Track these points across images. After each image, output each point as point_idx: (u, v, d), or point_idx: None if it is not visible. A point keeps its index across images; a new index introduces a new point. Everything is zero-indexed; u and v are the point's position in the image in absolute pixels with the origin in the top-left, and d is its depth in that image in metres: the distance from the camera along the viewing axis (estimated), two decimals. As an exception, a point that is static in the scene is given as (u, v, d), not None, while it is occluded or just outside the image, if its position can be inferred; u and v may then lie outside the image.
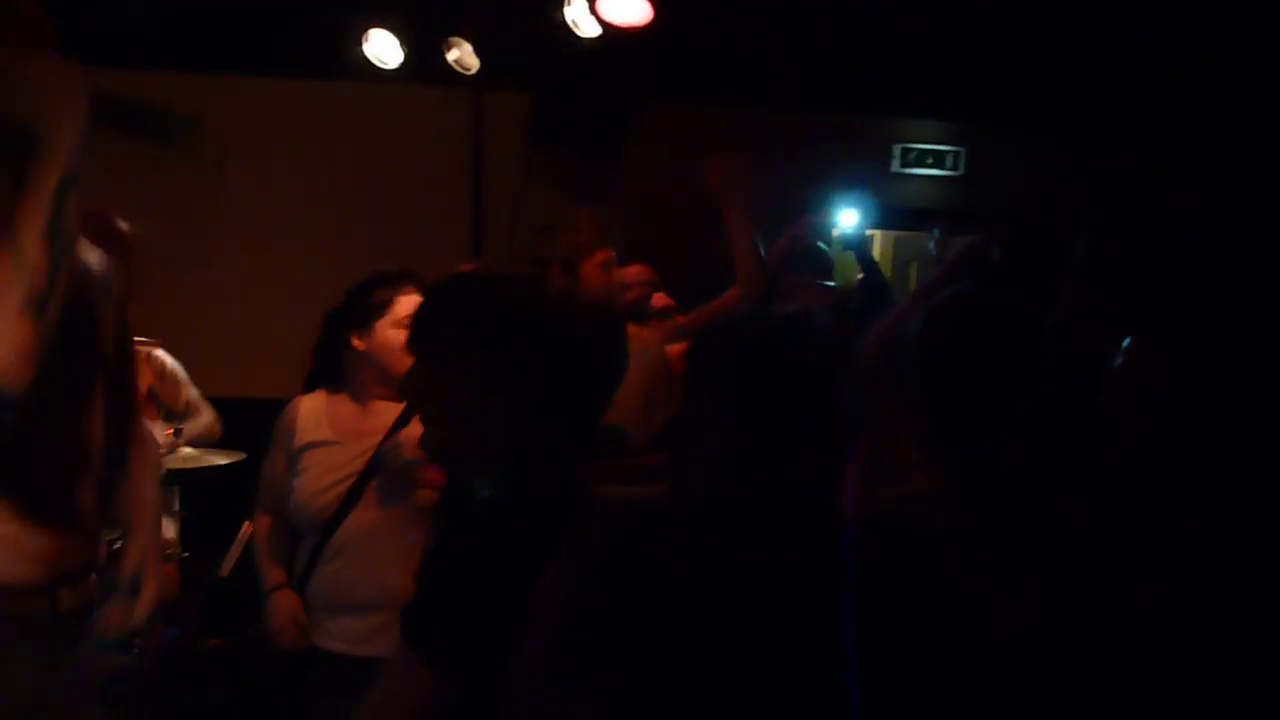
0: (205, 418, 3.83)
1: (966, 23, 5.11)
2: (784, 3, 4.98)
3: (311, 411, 2.60)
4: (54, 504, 1.71)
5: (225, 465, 3.47)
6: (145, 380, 3.86)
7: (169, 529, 3.59)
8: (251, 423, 3.34)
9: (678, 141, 5.27)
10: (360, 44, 4.65)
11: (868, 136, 5.69)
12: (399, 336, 2.37)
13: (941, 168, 5.78)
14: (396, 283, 2.54)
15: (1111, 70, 5.25)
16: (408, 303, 2.48)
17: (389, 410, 2.52)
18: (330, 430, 2.55)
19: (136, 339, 1.94)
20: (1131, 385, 1.54)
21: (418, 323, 1.56)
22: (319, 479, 2.49)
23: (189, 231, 4.89)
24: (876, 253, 6.58)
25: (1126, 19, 5.08)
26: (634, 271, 3.57)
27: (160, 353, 3.80)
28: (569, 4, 4.19)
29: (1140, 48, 5.14)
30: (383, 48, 4.65)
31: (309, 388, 2.66)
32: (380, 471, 2.44)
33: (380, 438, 2.48)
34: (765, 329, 1.41)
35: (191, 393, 3.83)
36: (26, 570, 1.68)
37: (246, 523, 3.52)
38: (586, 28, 4.19)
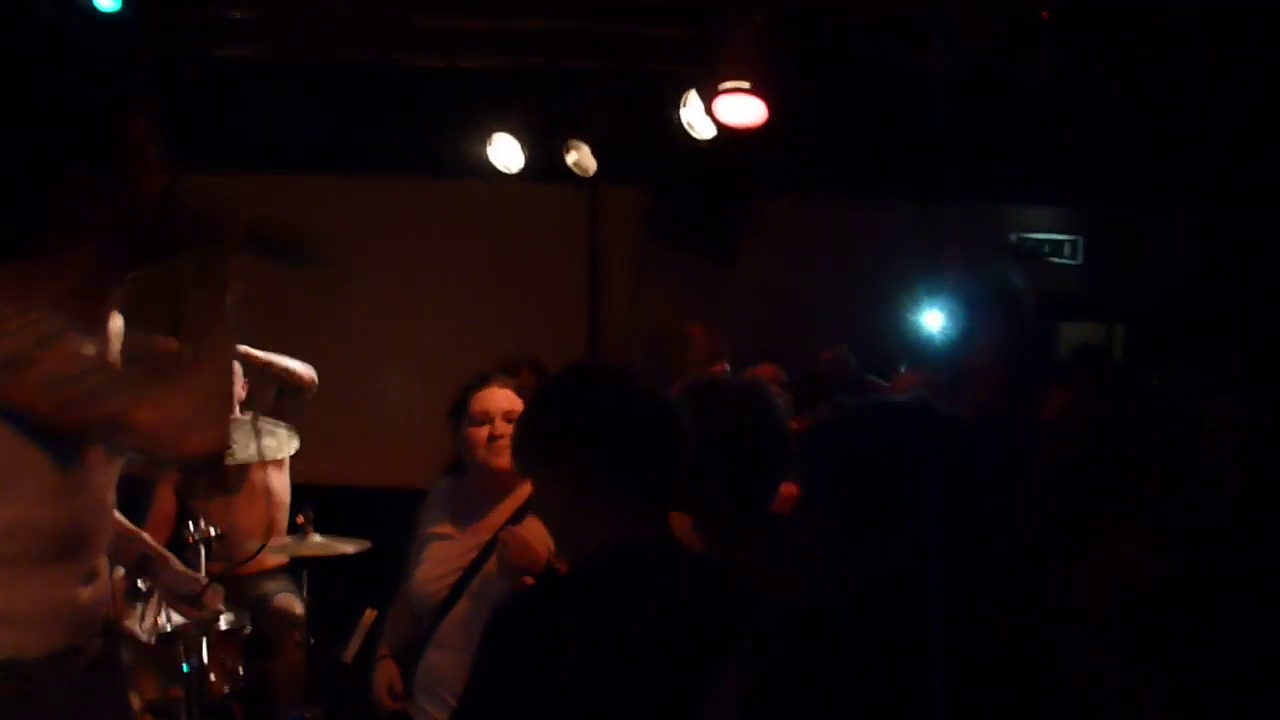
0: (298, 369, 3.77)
1: (1082, 109, 5.08)
2: (897, 94, 5.03)
3: (437, 499, 2.76)
4: (98, 565, 1.80)
5: (352, 554, 3.56)
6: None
7: (295, 606, 3.69)
8: (381, 511, 3.45)
9: (794, 233, 5.34)
10: (485, 147, 4.86)
11: (984, 226, 5.65)
12: (478, 433, 2.59)
13: (1059, 256, 5.69)
14: (481, 382, 2.67)
15: (1233, 155, 5.14)
16: (483, 398, 2.64)
17: (506, 505, 2.61)
18: (449, 523, 2.69)
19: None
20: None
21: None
22: (433, 569, 2.66)
23: (314, 326, 5.13)
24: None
25: (1241, 103, 4.99)
26: (767, 371, 3.60)
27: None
28: (685, 105, 4.32)
29: (1259, 128, 5.03)
30: (506, 151, 4.85)
31: (447, 474, 2.83)
32: (491, 564, 2.55)
33: (490, 535, 2.58)
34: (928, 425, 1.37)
35: (277, 361, 3.76)
36: (72, 632, 1.75)
37: (369, 610, 3.60)
38: (702, 129, 4.30)
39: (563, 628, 1.39)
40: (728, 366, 2.91)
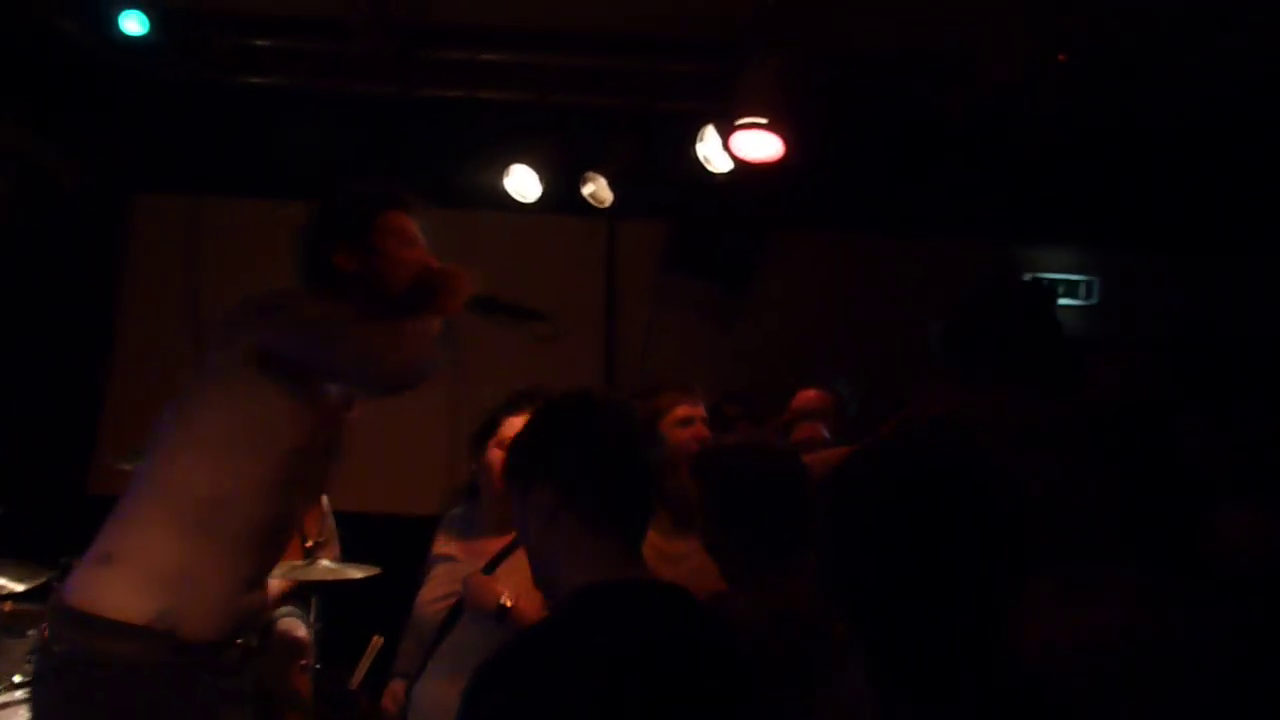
0: (333, 550, 3.93)
1: (1099, 150, 5.10)
2: (914, 132, 5.06)
3: (451, 523, 2.78)
4: (270, 570, 2.04)
5: (361, 580, 3.56)
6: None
7: (299, 630, 3.69)
8: (389, 538, 3.45)
9: (809, 269, 5.35)
10: (502, 178, 4.90)
11: (1000, 265, 5.65)
12: (498, 457, 2.66)
13: (1075, 297, 5.68)
14: (512, 408, 2.71)
15: (1248, 196, 5.15)
16: (514, 424, 2.66)
17: (511, 533, 2.62)
18: (457, 545, 2.71)
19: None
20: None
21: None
22: (434, 590, 2.69)
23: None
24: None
25: (1261, 145, 5.00)
26: (811, 396, 3.60)
27: None
28: (701, 140, 4.34)
29: (1271, 178, 5.04)
30: (523, 182, 4.89)
31: (464, 500, 2.86)
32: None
33: (489, 560, 2.59)
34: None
35: (329, 523, 3.95)
36: (230, 629, 1.90)
37: (376, 636, 3.59)
38: (719, 163, 4.32)
39: (544, 684, 1.34)
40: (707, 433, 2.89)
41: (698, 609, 1.53)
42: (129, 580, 1.78)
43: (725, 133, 4.00)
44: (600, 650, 1.37)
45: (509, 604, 2.43)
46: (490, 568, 2.58)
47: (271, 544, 1.95)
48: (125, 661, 1.74)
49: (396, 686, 2.78)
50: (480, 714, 1.34)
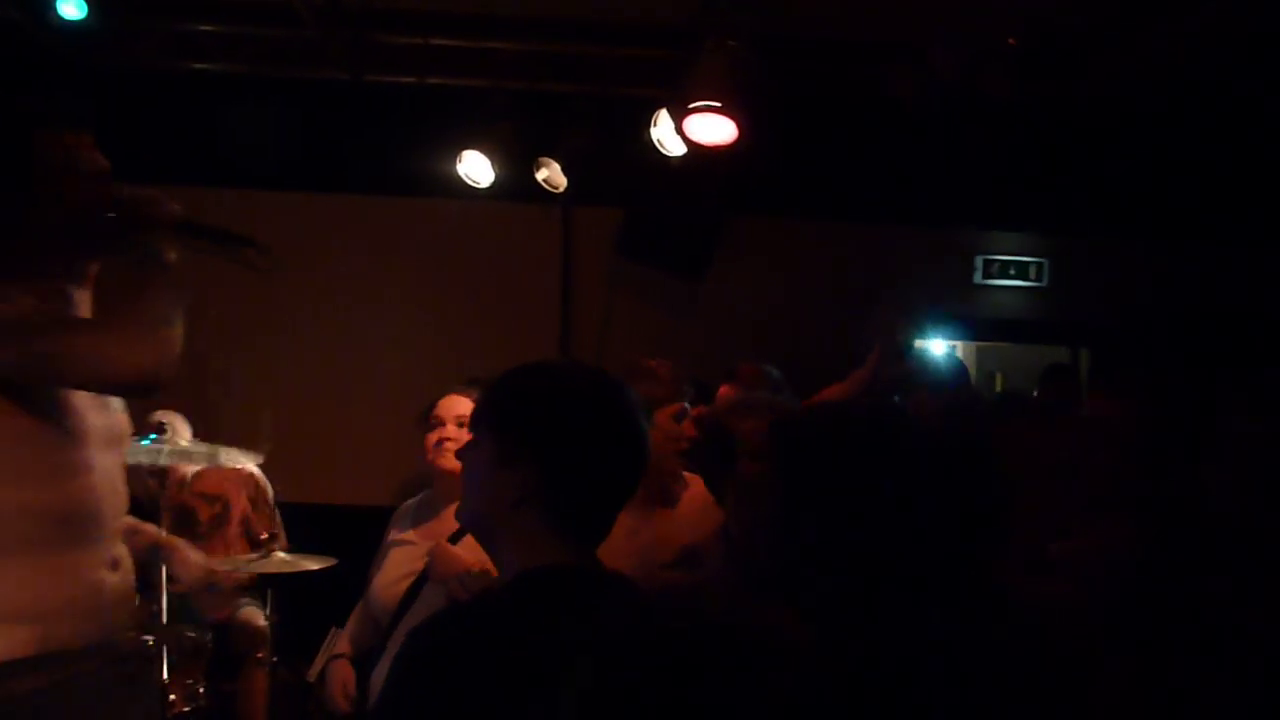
0: (281, 542, 3.89)
1: (1048, 134, 5.16)
2: (866, 117, 5.09)
3: (406, 510, 2.77)
4: (119, 552, 1.86)
5: (316, 571, 3.52)
6: (240, 501, 3.97)
7: (258, 621, 3.65)
8: (341, 529, 3.42)
9: (764, 254, 5.37)
10: (454, 164, 4.85)
11: (950, 248, 5.71)
12: (430, 436, 2.66)
13: (1025, 279, 5.76)
14: (457, 390, 2.70)
15: (1196, 181, 5.24)
16: (441, 403, 2.70)
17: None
18: (412, 529, 2.70)
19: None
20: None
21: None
22: (390, 573, 2.68)
23: (285, 344, 5.09)
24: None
25: (1207, 129, 5.09)
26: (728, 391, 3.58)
27: (257, 472, 3.90)
28: (655, 125, 4.34)
29: (1222, 157, 5.14)
30: (475, 168, 4.85)
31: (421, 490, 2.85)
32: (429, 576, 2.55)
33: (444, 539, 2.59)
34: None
35: (276, 516, 3.93)
36: (104, 623, 1.79)
37: (334, 628, 3.56)
38: (673, 147, 4.32)
39: (468, 652, 1.28)
40: (687, 406, 2.88)
41: (643, 600, 1.45)
42: None
43: (679, 116, 3.99)
44: (537, 630, 1.30)
45: (476, 569, 2.41)
46: (455, 538, 2.56)
47: (95, 522, 1.78)
48: (25, 696, 1.65)
49: (345, 671, 2.72)
50: (406, 676, 1.29)
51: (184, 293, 1.77)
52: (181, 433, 3.84)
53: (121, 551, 1.85)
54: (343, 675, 2.70)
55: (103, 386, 1.74)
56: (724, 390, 3.44)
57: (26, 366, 1.64)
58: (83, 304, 1.84)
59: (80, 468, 1.74)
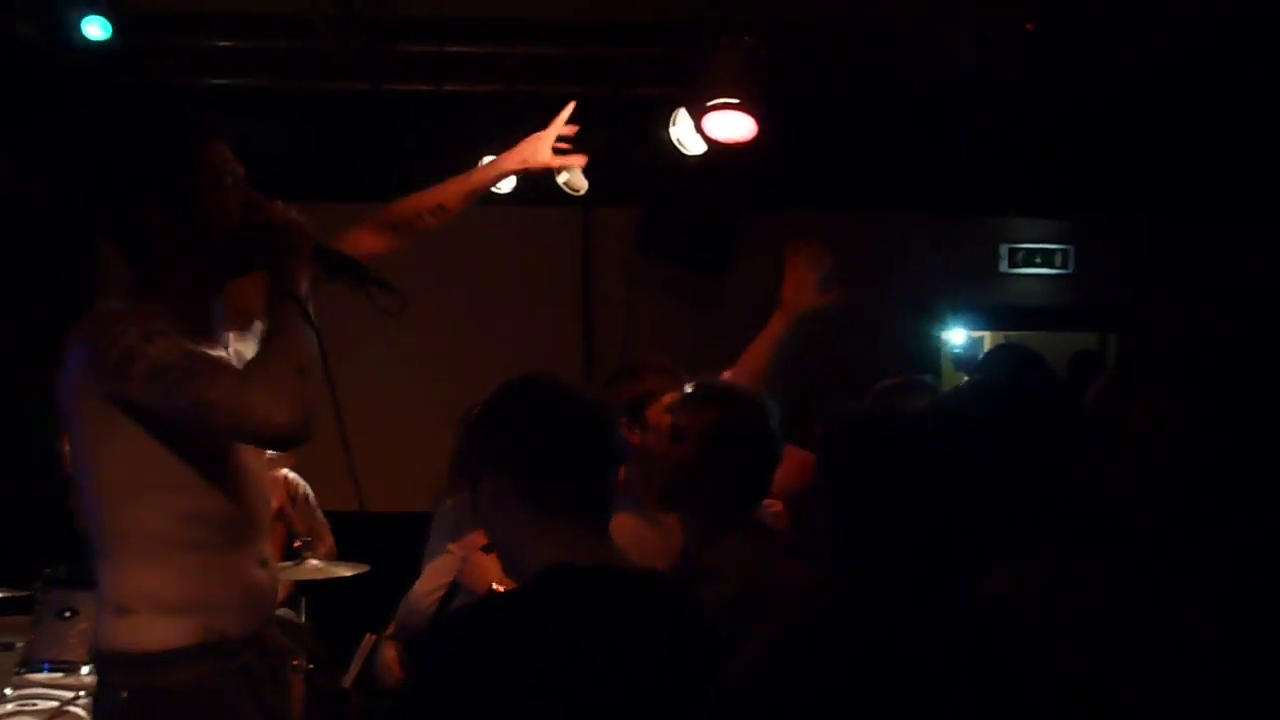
0: (327, 543, 3.93)
1: (1069, 119, 5.12)
2: (887, 108, 5.07)
3: (446, 515, 2.79)
4: (267, 551, 1.97)
5: (350, 578, 3.55)
6: (276, 501, 4.01)
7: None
8: (375, 536, 3.45)
9: (784, 247, 5.35)
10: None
11: (974, 237, 5.67)
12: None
13: (1051, 266, 5.71)
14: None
15: (1220, 162, 5.18)
16: None
17: None
18: (450, 535, 2.72)
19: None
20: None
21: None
22: (426, 583, 2.68)
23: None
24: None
25: (1230, 108, 5.03)
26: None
27: (293, 475, 3.93)
28: (674, 124, 4.33)
29: (1247, 139, 5.08)
30: (496, 172, 4.85)
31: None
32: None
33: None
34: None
35: (318, 516, 3.95)
36: (260, 615, 1.90)
37: (369, 635, 3.59)
38: (692, 145, 4.31)
39: (487, 651, 1.35)
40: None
41: (669, 596, 1.52)
42: (157, 618, 1.78)
43: (697, 114, 3.98)
44: (557, 626, 1.37)
45: (499, 588, 2.44)
46: (489, 548, 2.58)
47: (250, 523, 1.90)
48: (193, 683, 1.76)
49: (392, 648, 2.77)
50: (424, 670, 1.39)
51: (317, 332, 1.82)
52: None
53: (268, 551, 1.96)
54: (392, 653, 2.75)
55: (244, 437, 1.79)
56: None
57: (176, 412, 1.69)
58: (217, 318, 1.91)
59: (236, 471, 1.85)
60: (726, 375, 2.91)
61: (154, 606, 1.77)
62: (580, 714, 1.32)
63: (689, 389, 2.15)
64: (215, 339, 1.89)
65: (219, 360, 1.79)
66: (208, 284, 1.88)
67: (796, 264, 2.99)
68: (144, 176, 1.79)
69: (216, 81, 4.86)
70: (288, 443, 1.75)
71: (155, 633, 1.76)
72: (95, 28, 4.16)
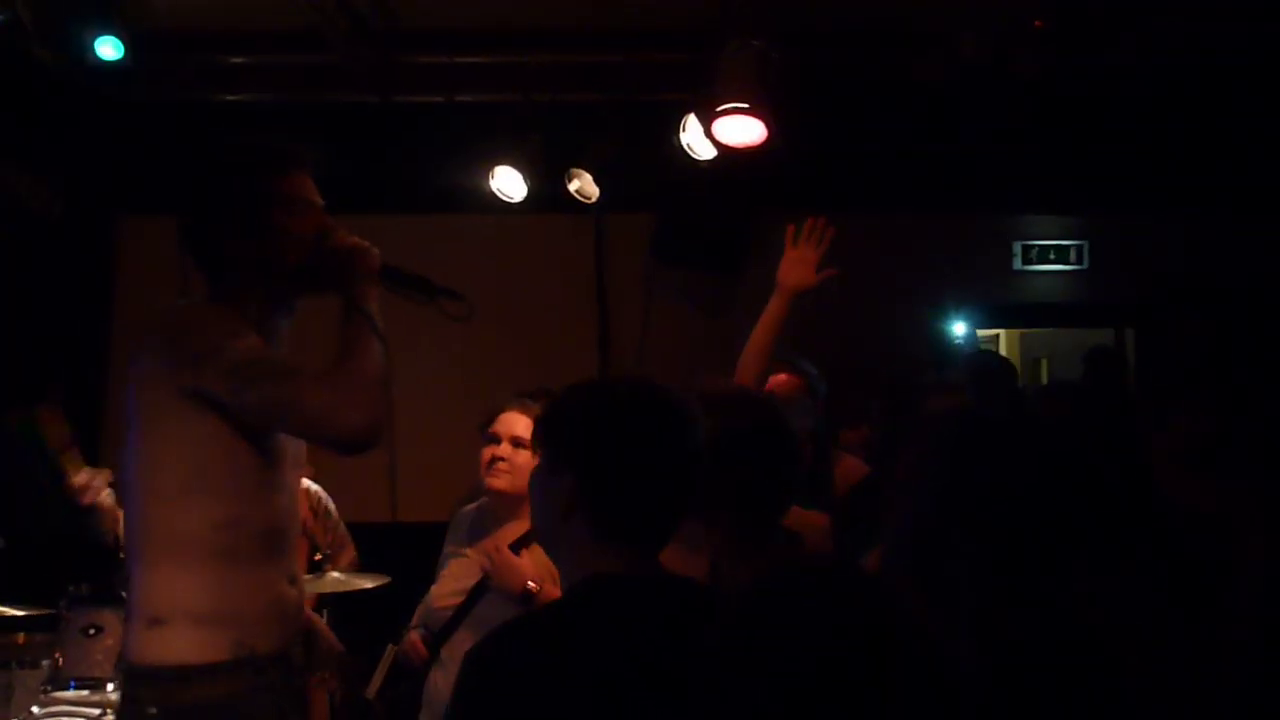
0: (349, 554, 3.93)
1: (1081, 114, 5.10)
2: (893, 107, 5.06)
3: (464, 519, 2.79)
4: (297, 568, 2.00)
5: (372, 589, 3.56)
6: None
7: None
8: (398, 547, 3.46)
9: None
10: (487, 180, 4.89)
11: (987, 236, 5.66)
12: (484, 452, 2.68)
13: (1065, 262, 5.69)
14: (508, 402, 2.76)
15: (1234, 155, 5.15)
16: (501, 419, 2.71)
17: (514, 526, 2.63)
18: (467, 540, 2.73)
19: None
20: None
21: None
22: (445, 586, 2.69)
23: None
24: (1003, 351, 6.47)
25: (1249, 104, 5.01)
26: (784, 380, 3.58)
27: (314, 486, 3.94)
28: (684, 129, 4.34)
29: (1261, 134, 5.04)
30: (508, 182, 4.88)
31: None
32: (488, 589, 2.58)
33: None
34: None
35: (340, 528, 3.96)
36: (288, 632, 1.92)
37: (391, 646, 3.60)
38: (702, 150, 4.32)
39: (537, 665, 1.32)
40: None
41: (709, 605, 1.46)
42: (190, 629, 1.79)
43: (707, 119, 3.99)
44: (603, 637, 1.35)
45: (535, 588, 2.44)
46: (516, 547, 2.58)
47: (285, 538, 1.92)
48: (222, 700, 1.77)
49: (416, 635, 2.78)
50: (466, 692, 1.33)
51: (386, 346, 1.90)
52: None
53: (298, 568, 1.99)
54: (416, 639, 2.76)
55: (319, 439, 1.85)
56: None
57: (254, 408, 1.77)
58: (283, 335, 1.99)
59: (277, 487, 1.89)
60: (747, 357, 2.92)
61: (187, 617, 1.78)
62: None
63: None
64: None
65: (299, 363, 1.85)
66: (279, 304, 1.96)
67: (794, 244, 3.01)
68: (227, 205, 1.89)
69: (230, 98, 4.89)
70: (361, 447, 1.80)
71: (187, 646, 1.77)
72: (108, 48, 4.19)
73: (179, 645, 1.77)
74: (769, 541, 1.87)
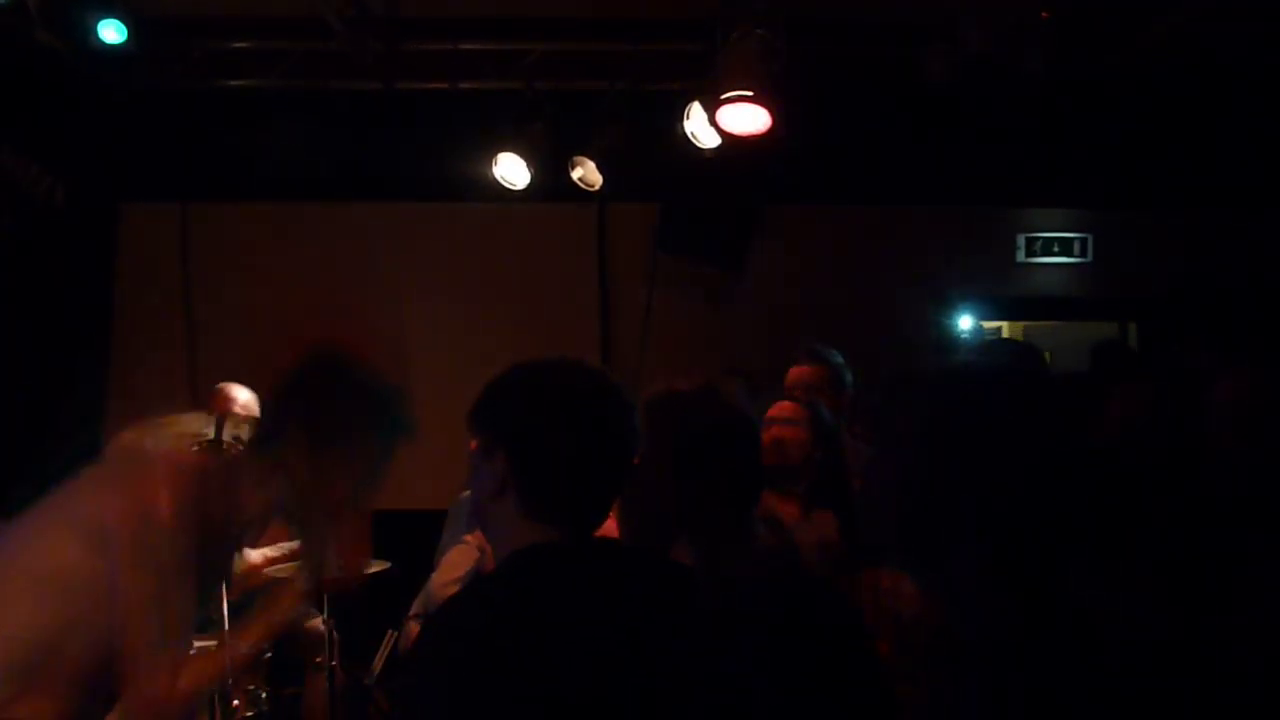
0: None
1: (1085, 108, 5.08)
2: (898, 100, 5.04)
3: (461, 508, 2.80)
4: None
5: (372, 574, 3.55)
6: None
7: (319, 628, 3.69)
8: (399, 533, 3.45)
9: (803, 242, 5.35)
10: (490, 167, 4.88)
11: (991, 228, 5.65)
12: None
13: (1069, 255, 5.68)
14: None
15: (1240, 148, 5.14)
16: None
17: None
18: (466, 529, 2.74)
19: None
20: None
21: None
22: (445, 574, 2.69)
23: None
24: (1007, 345, 6.45)
25: (1256, 97, 4.99)
26: (804, 371, 3.57)
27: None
28: (688, 118, 4.33)
29: (1269, 127, 5.02)
30: (510, 170, 4.87)
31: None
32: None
33: None
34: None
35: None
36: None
37: (391, 631, 3.60)
38: (706, 139, 4.31)
39: (484, 627, 1.35)
40: None
41: (652, 560, 1.54)
42: None
43: (711, 107, 3.98)
44: (541, 600, 1.37)
45: None
46: None
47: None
48: None
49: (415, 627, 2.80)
50: (416, 664, 1.39)
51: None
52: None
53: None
54: (416, 630, 2.78)
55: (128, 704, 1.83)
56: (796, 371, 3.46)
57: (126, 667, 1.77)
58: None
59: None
60: None
61: None
62: (572, 686, 1.32)
63: None
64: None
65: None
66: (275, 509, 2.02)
67: None
68: (336, 442, 1.92)
69: (233, 83, 4.89)
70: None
71: None
72: (111, 31, 4.19)
73: None
74: (753, 531, 1.86)
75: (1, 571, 1.81)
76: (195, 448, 1.89)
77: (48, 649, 1.76)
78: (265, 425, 1.97)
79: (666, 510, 1.81)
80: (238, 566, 2.63)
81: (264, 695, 3.28)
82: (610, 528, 1.86)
